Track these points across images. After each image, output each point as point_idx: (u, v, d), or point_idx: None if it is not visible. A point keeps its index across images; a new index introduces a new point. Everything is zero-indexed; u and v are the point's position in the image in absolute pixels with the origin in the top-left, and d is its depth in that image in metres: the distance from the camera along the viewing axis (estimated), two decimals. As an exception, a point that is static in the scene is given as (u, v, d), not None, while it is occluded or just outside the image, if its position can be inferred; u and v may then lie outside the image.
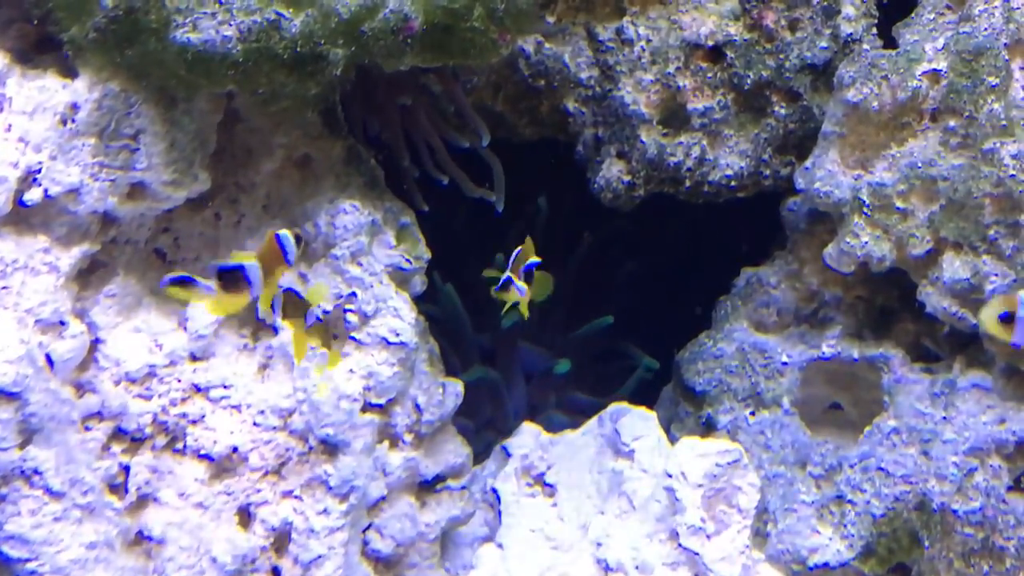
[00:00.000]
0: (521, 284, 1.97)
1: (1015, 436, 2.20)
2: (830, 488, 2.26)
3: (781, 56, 2.46)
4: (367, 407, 2.17)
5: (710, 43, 2.47)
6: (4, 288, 1.98)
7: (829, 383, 2.45)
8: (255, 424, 2.14)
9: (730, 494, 2.15)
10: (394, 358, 2.17)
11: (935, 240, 2.24)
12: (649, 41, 2.48)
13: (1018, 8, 2.25)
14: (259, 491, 2.13)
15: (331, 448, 2.14)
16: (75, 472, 1.96)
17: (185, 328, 2.15)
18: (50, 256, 2.03)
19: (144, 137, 2.04)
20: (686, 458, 2.15)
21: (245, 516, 2.14)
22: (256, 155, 2.23)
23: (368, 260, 2.20)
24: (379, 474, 2.20)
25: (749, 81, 2.46)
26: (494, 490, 2.37)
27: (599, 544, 2.19)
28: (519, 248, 2.04)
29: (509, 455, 2.39)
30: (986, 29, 2.24)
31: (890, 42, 2.40)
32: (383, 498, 2.22)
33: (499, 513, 2.35)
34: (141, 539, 2.07)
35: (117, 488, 2.07)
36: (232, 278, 1.77)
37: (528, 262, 2.01)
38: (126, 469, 2.08)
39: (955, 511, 2.17)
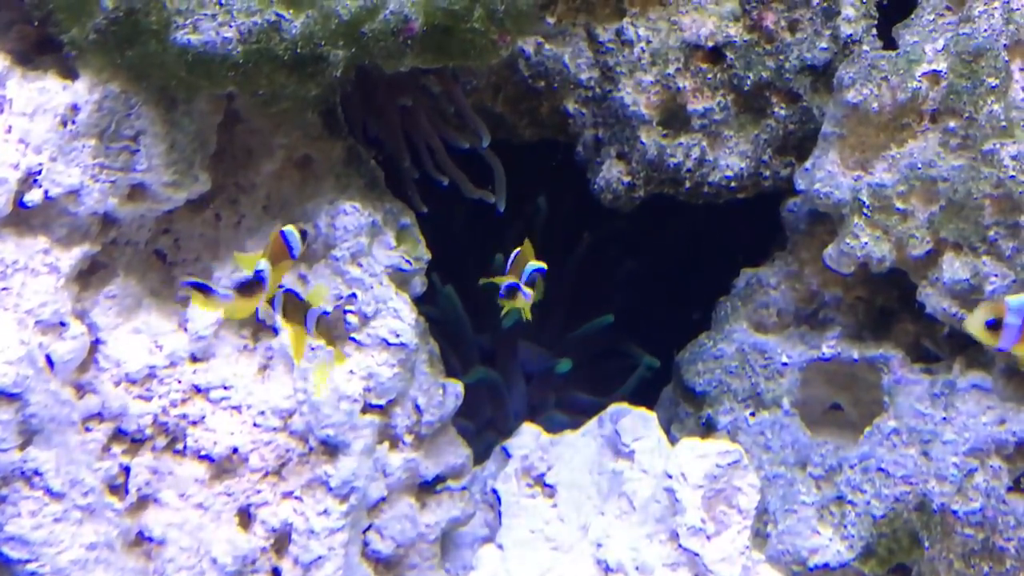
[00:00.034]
0: (527, 289, 1.97)
1: (1015, 437, 2.21)
2: (830, 489, 2.26)
3: (781, 57, 2.46)
4: (367, 408, 2.17)
5: (710, 44, 2.47)
6: (4, 289, 1.98)
7: (829, 384, 2.45)
8: (255, 425, 2.14)
9: (730, 495, 2.15)
10: (394, 359, 2.17)
11: (935, 241, 2.24)
12: (649, 42, 2.48)
13: (1018, 9, 2.25)
14: (259, 492, 2.13)
15: (331, 449, 2.14)
16: (75, 473, 1.96)
17: (185, 329, 2.15)
18: (50, 257, 2.03)
19: (144, 138, 2.04)
20: (686, 459, 2.14)
21: (245, 517, 2.14)
22: (256, 156, 2.23)
23: (368, 261, 2.20)
24: (379, 475, 2.20)
25: (749, 82, 2.46)
26: (494, 491, 2.37)
27: (599, 545, 2.19)
28: (518, 249, 2.04)
29: (509, 456, 2.40)
30: (986, 30, 2.24)
31: (890, 43, 2.40)
32: (383, 499, 2.22)
33: (499, 514, 2.35)
34: (141, 540, 2.07)
35: (117, 489, 2.07)
36: (248, 285, 1.79)
37: (535, 267, 2.00)
38: (126, 470, 2.08)
39: (955, 512, 2.17)
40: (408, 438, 2.24)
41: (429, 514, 2.29)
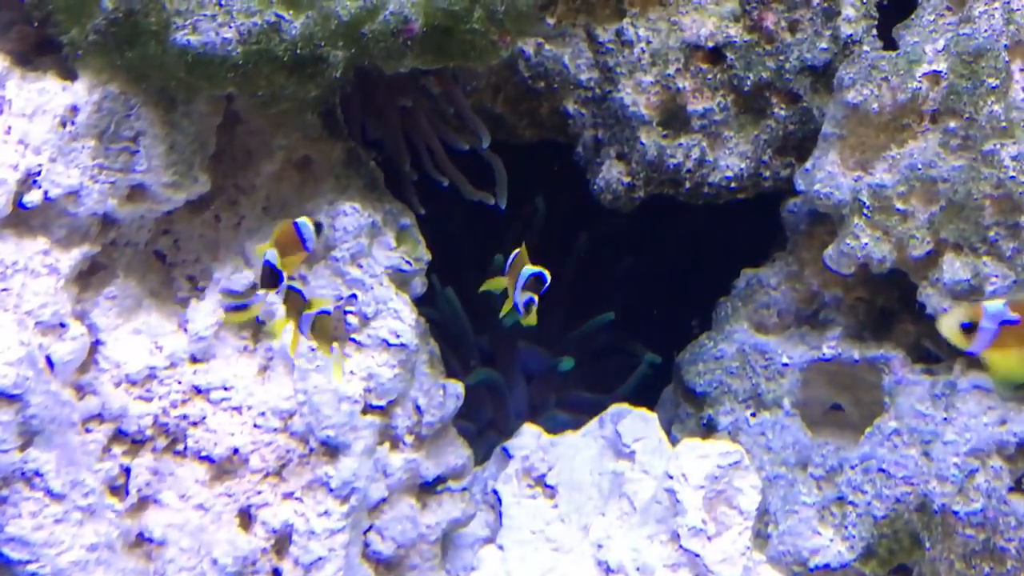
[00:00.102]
0: (532, 295, 1.96)
1: (1016, 437, 2.20)
2: (831, 489, 2.25)
3: (781, 58, 2.46)
4: (368, 409, 2.17)
5: (710, 44, 2.47)
6: (4, 290, 1.98)
7: (830, 384, 2.45)
8: (256, 426, 2.14)
9: (731, 495, 2.15)
10: (394, 360, 2.17)
11: (935, 241, 2.24)
12: (649, 43, 2.48)
13: (1018, 9, 2.25)
14: (260, 493, 2.13)
15: (332, 450, 2.14)
16: (76, 474, 1.96)
17: (185, 330, 2.15)
18: (50, 258, 2.03)
19: (144, 139, 2.04)
20: (687, 459, 2.14)
21: (246, 518, 2.14)
22: (256, 157, 2.23)
23: (368, 262, 2.20)
24: (380, 476, 2.20)
25: (749, 82, 2.46)
26: (495, 491, 2.37)
27: (600, 546, 2.19)
28: (517, 250, 2.03)
29: (510, 456, 2.39)
30: (986, 30, 2.24)
31: (890, 43, 2.40)
32: (384, 500, 2.22)
33: (500, 514, 2.35)
34: (142, 541, 2.07)
35: (118, 490, 2.07)
36: (263, 279, 1.79)
37: (532, 271, 2.00)
38: (127, 471, 2.08)
39: (956, 512, 2.17)
40: (409, 439, 2.23)
41: (430, 515, 2.29)
